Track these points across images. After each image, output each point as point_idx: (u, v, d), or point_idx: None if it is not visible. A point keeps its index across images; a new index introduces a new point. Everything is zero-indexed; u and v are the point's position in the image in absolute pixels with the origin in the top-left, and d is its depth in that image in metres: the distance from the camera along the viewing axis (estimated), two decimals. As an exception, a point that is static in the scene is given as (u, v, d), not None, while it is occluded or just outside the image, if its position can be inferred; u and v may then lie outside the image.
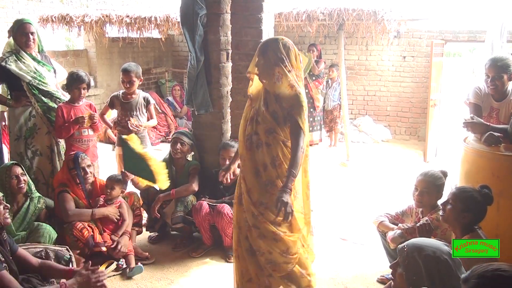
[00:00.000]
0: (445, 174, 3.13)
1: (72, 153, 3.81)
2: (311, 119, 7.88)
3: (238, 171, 3.56)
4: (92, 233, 3.53)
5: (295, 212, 2.78)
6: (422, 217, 3.08)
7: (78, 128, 4.02)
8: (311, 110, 7.85)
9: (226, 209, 3.69)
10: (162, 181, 3.66)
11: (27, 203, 3.42)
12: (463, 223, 2.60)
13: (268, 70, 2.71)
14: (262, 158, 2.78)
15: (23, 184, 3.35)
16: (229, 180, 3.33)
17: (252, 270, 2.89)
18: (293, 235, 2.83)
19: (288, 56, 2.70)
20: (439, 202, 3.01)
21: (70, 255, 2.96)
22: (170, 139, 4.32)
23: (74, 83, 4.02)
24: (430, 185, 3.06)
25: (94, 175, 3.86)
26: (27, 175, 3.47)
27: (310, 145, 7.87)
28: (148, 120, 4.53)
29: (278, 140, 2.75)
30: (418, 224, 2.93)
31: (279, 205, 2.58)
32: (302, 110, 2.70)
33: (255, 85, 2.88)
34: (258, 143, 2.79)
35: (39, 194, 3.57)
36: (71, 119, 3.97)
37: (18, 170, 3.35)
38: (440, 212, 2.73)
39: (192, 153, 4.26)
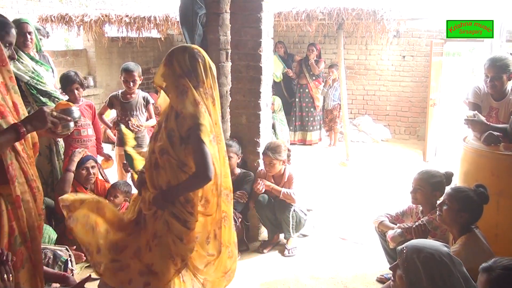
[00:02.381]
0: (448, 175, 3.12)
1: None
2: (311, 118, 7.90)
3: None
4: None
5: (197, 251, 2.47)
6: (422, 217, 3.08)
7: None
8: (311, 109, 7.87)
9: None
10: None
11: None
12: (460, 223, 2.60)
13: (173, 83, 2.37)
14: (158, 181, 2.41)
15: None
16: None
17: None
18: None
19: (194, 69, 2.35)
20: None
21: (70, 255, 2.95)
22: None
23: (66, 86, 4.03)
24: (423, 183, 3.08)
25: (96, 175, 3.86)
26: None
27: (309, 144, 7.92)
28: (147, 119, 4.54)
29: (171, 164, 2.36)
30: (414, 225, 2.94)
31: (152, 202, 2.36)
32: (203, 131, 2.29)
33: (164, 98, 2.49)
34: (155, 163, 2.41)
35: None
36: None
37: None
38: (437, 212, 2.74)
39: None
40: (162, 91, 2.46)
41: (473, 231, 2.59)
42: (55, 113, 2.14)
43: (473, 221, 2.61)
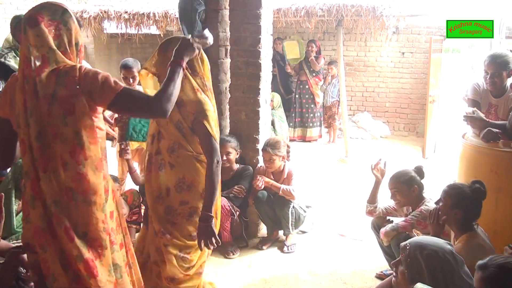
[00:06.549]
0: (418, 169, 3.24)
1: None
2: (311, 115, 7.90)
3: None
4: None
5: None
6: (412, 211, 3.17)
7: None
8: (312, 106, 7.87)
9: (223, 201, 3.70)
10: None
11: None
12: (456, 220, 2.60)
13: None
14: (165, 183, 2.44)
15: None
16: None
17: None
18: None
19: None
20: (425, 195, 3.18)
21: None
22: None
23: None
24: (396, 184, 3.18)
25: None
26: None
27: (309, 141, 7.92)
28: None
29: (186, 157, 2.41)
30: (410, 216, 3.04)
31: (204, 236, 2.33)
32: (208, 118, 2.37)
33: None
34: (161, 164, 2.45)
35: None
36: None
37: None
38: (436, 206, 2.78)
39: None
40: (141, 83, 2.55)
41: (474, 229, 2.57)
42: (196, 39, 2.32)
43: (470, 218, 2.60)
